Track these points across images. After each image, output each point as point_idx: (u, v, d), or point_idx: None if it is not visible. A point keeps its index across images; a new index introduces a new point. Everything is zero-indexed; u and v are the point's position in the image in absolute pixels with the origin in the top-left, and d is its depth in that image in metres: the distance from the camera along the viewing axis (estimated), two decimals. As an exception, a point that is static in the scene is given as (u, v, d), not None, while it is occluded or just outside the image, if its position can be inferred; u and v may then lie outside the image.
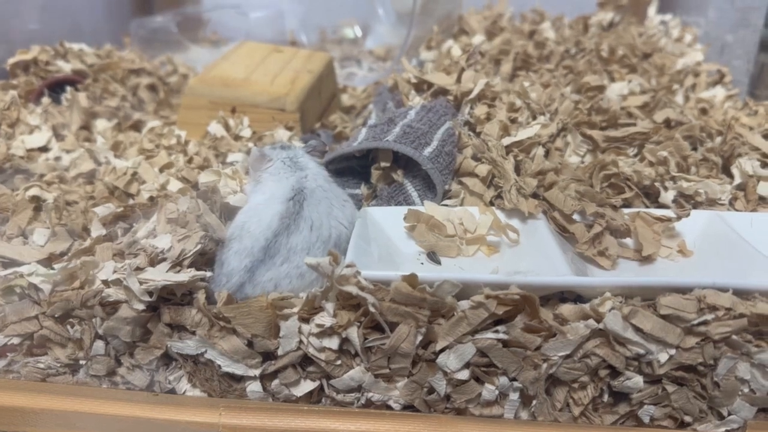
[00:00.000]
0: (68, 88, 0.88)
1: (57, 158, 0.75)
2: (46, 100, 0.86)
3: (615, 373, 0.45)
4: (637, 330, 0.44)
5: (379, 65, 1.22)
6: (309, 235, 0.52)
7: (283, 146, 0.63)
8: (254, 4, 1.30)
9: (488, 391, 0.46)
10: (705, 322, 0.43)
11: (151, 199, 0.63)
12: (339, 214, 0.56)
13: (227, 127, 0.78)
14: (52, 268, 0.50)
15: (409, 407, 0.47)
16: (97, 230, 0.56)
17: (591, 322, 0.44)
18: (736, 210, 0.62)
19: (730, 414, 0.46)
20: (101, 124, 0.83)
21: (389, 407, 0.47)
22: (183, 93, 0.86)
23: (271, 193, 0.56)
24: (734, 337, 0.43)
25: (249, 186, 0.62)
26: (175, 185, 0.64)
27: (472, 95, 0.72)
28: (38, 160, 0.74)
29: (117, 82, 0.94)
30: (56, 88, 0.91)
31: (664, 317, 0.44)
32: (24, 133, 0.78)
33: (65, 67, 0.95)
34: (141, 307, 0.47)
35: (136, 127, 0.86)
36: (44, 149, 0.77)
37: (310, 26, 1.31)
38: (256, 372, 0.47)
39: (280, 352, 0.46)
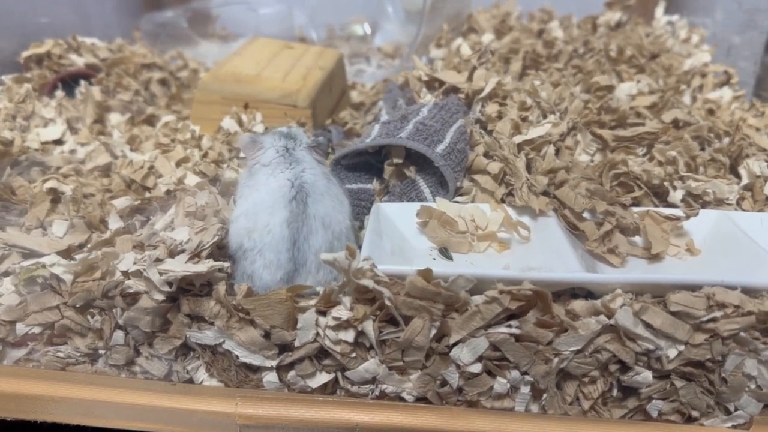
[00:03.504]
0: (82, 82, 0.88)
1: (72, 151, 0.75)
2: (60, 93, 0.87)
3: (624, 368, 0.46)
4: (647, 326, 0.45)
5: (388, 63, 1.23)
6: (325, 234, 0.52)
7: (284, 134, 0.58)
8: (263, 0, 1.30)
9: (500, 384, 0.47)
10: (714, 319, 0.44)
11: (168, 192, 0.63)
12: (343, 209, 0.55)
13: (240, 123, 0.79)
14: (73, 259, 0.51)
15: (421, 399, 0.48)
16: (115, 222, 0.57)
17: (602, 317, 0.45)
18: (743, 210, 0.63)
19: (736, 409, 0.47)
20: (115, 118, 0.84)
21: (402, 399, 0.48)
22: (196, 88, 0.86)
23: (267, 189, 0.53)
24: (742, 334, 0.44)
25: (243, 174, 0.58)
26: (192, 179, 0.65)
27: (484, 93, 0.73)
28: (53, 153, 0.74)
29: (129, 76, 0.94)
30: (69, 81, 0.92)
31: (673, 314, 0.45)
32: (39, 125, 0.79)
33: (78, 61, 0.96)
34: (161, 297, 0.48)
35: (150, 121, 0.86)
36: (59, 142, 0.77)
37: (319, 23, 1.32)
38: (273, 363, 0.48)
39: (297, 343, 0.47)
